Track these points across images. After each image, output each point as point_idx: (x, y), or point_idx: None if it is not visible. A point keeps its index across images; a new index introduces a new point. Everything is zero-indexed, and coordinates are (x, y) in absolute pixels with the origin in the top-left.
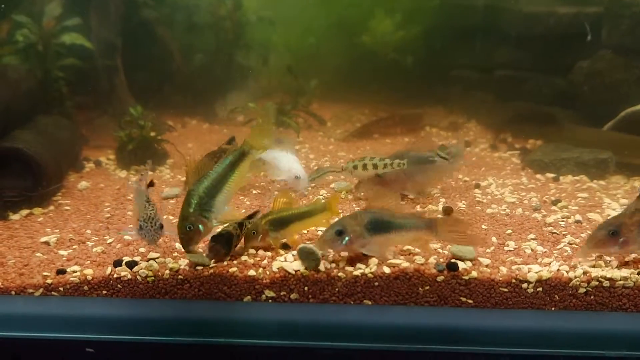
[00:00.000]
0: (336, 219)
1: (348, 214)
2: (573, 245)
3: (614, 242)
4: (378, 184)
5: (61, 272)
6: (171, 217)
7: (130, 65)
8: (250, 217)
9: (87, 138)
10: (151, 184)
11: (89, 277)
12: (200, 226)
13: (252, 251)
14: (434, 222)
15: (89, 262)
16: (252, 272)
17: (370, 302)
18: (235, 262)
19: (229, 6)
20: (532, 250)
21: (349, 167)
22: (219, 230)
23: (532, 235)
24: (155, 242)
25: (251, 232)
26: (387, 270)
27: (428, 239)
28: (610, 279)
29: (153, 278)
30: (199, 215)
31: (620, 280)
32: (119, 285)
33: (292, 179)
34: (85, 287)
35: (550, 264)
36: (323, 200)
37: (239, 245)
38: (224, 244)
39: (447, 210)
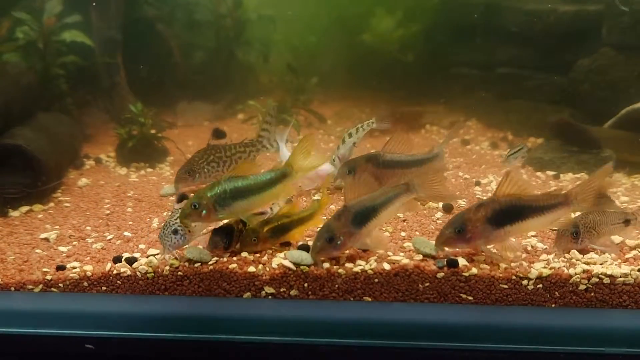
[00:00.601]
0: (322, 225)
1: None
2: None
3: (462, 239)
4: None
5: (61, 268)
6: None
7: (131, 62)
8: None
9: (87, 135)
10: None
11: (89, 273)
12: (204, 211)
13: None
14: (410, 182)
15: (88, 258)
16: (252, 269)
17: (370, 299)
18: (235, 258)
19: (229, 4)
20: (532, 247)
21: (335, 155)
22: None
23: (532, 232)
24: (167, 248)
25: (252, 239)
26: (387, 266)
27: (412, 199)
28: (610, 276)
29: (153, 274)
30: (212, 202)
31: (620, 277)
32: (118, 282)
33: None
34: (85, 283)
35: (550, 260)
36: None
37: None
38: (223, 237)
39: (448, 208)
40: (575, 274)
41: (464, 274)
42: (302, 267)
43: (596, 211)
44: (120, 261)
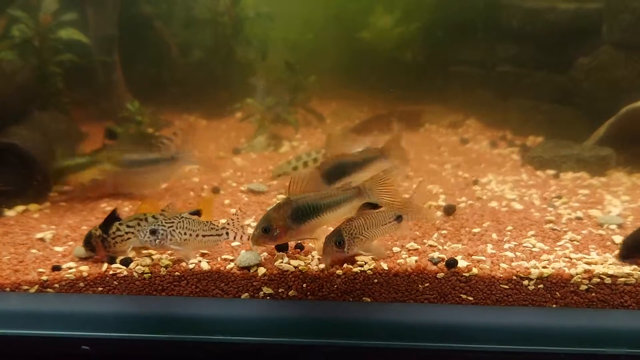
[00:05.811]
0: (264, 214)
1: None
2: (574, 242)
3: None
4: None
5: (56, 268)
6: None
7: (128, 60)
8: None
9: (83, 133)
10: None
11: (85, 274)
12: None
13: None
14: (362, 188)
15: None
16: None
17: (369, 299)
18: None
19: (227, 1)
20: (532, 246)
21: None
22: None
23: (532, 232)
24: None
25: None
26: (386, 266)
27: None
28: (612, 276)
29: (149, 275)
30: None
31: (622, 277)
32: (114, 282)
33: None
34: (81, 284)
35: (551, 260)
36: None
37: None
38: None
39: (449, 210)
40: (577, 274)
41: (464, 274)
42: (301, 267)
43: (362, 215)
44: (116, 261)
